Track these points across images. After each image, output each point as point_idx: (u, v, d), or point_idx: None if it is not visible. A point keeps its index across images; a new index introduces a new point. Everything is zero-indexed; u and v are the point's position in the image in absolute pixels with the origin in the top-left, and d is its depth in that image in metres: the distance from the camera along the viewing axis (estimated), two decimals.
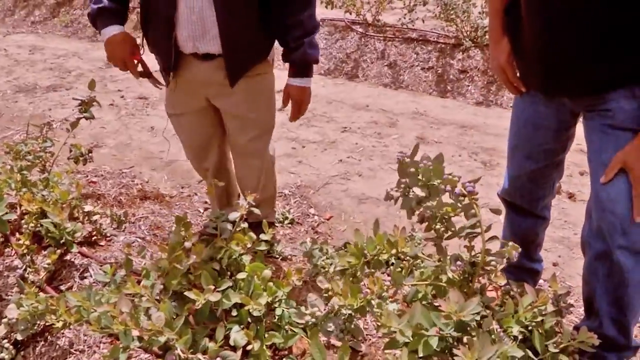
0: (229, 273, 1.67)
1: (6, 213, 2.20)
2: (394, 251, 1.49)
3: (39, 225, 2.28)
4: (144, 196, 3.16)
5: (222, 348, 1.52)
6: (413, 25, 5.14)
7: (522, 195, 1.95)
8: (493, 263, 1.38)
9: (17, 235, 2.32)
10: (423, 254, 1.57)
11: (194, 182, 3.42)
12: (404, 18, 5.14)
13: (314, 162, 3.50)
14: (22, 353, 1.97)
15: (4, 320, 1.97)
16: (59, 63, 5.69)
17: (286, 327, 1.64)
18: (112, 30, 1.91)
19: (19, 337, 1.94)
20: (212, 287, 1.54)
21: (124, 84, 5.00)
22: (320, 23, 5.61)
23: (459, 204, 1.41)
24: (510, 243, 1.42)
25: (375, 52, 5.16)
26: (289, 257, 2.53)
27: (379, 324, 1.30)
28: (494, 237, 1.41)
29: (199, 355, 1.43)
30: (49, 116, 4.36)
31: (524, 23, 1.60)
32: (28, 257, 2.21)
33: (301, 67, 1.96)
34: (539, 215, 2.00)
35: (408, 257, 1.49)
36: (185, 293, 1.50)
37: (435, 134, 3.78)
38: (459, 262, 1.41)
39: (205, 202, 3.20)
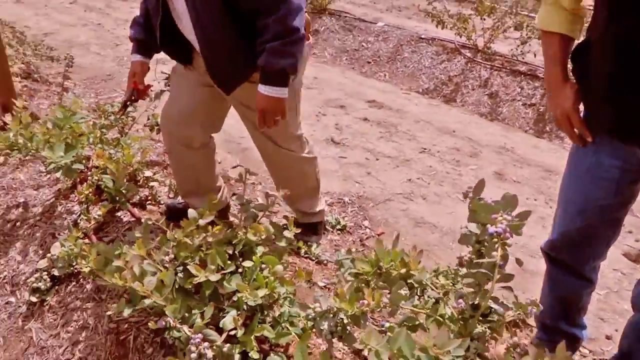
0: (240, 260, 1.70)
1: (75, 162, 2.38)
2: (403, 270, 1.45)
3: (101, 179, 2.44)
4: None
5: (211, 328, 1.56)
6: (524, 58, 4.94)
7: (569, 253, 1.82)
8: (498, 311, 1.31)
9: (84, 184, 2.51)
10: (434, 285, 1.52)
11: (263, 172, 3.51)
12: (516, 49, 4.95)
13: (383, 176, 3.47)
14: (56, 287, 2.13)
15: (48, 255, 2.14)
16: None
17: (283, 324, 1.64)
18: (134, 57, 2.21)
19: (56, 273, 2.11)
20: (215, 268, 1.58)
21: None
22: (431, 42, 5.56)
23: (485, 244, 1.35)
24: (532, 298, 1.34)
25: (478, 80, 5.01)
26: (325, 262, 2.52)
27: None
28: (507, 288, 1.33)
29: (185, 328, 1.48)
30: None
31: (595, 65, 1.51)
32: (85, 206, 2.39)
33: (265, 73, 1.85)
34: (585, 276, 1.86)
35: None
36: (188, 267, 1.56)
37: (516, 173, 3.61)
38: (460, 301, 1.35)
39: (267, 193, 3.27)
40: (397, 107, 4.54)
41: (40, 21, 6.82)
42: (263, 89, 1.86)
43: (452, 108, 4.78)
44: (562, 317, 1.97)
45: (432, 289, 1.42)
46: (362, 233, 2.94)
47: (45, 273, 2.13)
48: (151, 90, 2.42)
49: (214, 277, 1.55)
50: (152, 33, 2.04)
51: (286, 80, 1.86)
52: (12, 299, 2.21)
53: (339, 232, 2.91)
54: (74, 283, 2.11)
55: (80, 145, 2.48)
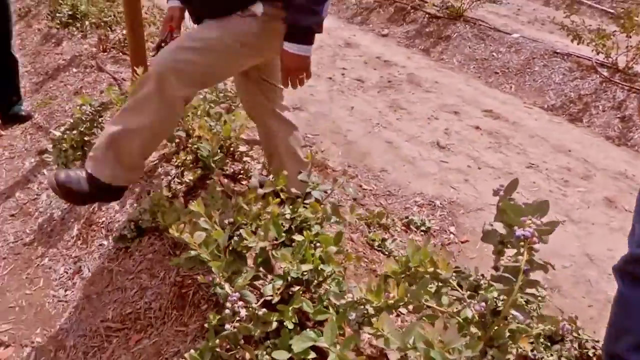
0: (295, 234, 1.75)
1: (179, 129, 2.58)
2: (431, 269, 1.42)
3: (198, 148, 2.61)
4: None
5: (256, 294, 1.63)
6: None
7: None
8: (518, 319, 1.24)
9: (183, 151, 2.70)
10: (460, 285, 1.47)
11: (362, 165, 3.54)
12: None
13: (480, 185, 3.35)
14: (140, 238, 2.32)
15: (139, 208, 2.35)
16: None
17: (325, 302, 1.67)
18: (171, 3, 2.17)
19: (142, 225, 2.30)
20: (266, 236, 1.64)
21: (350, 64, 5.31)
22: (565, 57, 5.25)
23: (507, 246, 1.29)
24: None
25: (612, 101, 4.64)
26: (397, 257, 2.50)
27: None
28: (529, 294, 1.25)
29: (227, 285, 1.55)
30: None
31: None
32: (180, 170, 2.57)
33: (291, 29, 1.79)
34: None
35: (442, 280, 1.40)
36: (241, 231, 1.63)
37: (630, 202, 3.30)
38: (483, 304, 1.29)
39: (361, 186, 3.31)
40: (514, 120, 4.35)
41: None
42: (289, 46, 1.80)
43: (576, 128, 4.47)
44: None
45: (457, 289, 1.36)
46: (446, 238, 2.87)
47: (133, 224, 2.33)
48: None
49: (263, 244, 1.62)
50: None
51: (312, 38, 1.81)
52: (105, 242, 2.44)
53: (422, 233, 2.87)
54: (155, 236, 2.28)
55: (186, 115, 2.68)
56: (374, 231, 2.66)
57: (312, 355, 1.53)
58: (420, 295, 1.35)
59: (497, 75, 5.53)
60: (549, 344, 2.08)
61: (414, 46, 6.19)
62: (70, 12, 4.57)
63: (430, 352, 1.16)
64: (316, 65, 5.27)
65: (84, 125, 2.67)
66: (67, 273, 2.43)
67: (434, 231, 2.91)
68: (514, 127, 4.23)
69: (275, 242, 1.72)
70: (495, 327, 1.26)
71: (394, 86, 4.84)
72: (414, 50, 6.05)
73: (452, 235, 2.90)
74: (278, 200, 1.77)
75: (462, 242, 2.85)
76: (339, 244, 1.75)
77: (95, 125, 2.71)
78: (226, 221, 1.71)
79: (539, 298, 2.47)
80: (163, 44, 2.19)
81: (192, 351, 1.64)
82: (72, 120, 2.69)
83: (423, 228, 2.87)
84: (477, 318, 1.30)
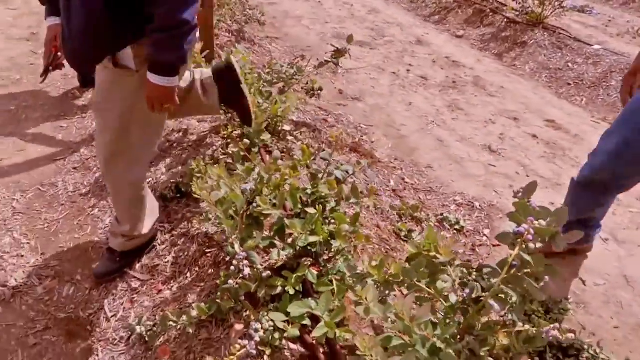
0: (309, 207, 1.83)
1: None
2: (432, 253, 1.46)
3: None
4: (356, 149, 3.45)
5: (263, 257, 1.73)
6: None
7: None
8: (494, 308, 1.26)
9: (231, 124, 2.84)
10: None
11: (409, 160, 3.57)
12: None
13: None
14: (178, 199, 2.48)
15: (180, 171, 2.50)
16: (381, 27, 6.28)
17: (330, 276, 1.75)
18: (50, 21, 2.15)
19: (182, 188, 2.46)
20: (281, 205, 1.73)
21: (417, 62, 5.31)
22: None
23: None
24: None
25: None
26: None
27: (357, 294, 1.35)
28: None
29: (237, 245, 1.66)
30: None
31: None
32: (225, 141, 2.71)
33: (151, 63, 1.76)
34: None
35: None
36: (258, 198, 1.73)
37: None
38: (467, 291, 1.32)
39: (403, 179, 3.34)
40: (576, 133, 4.22)
41: None
42: (152, 77, 1.76)
43: None
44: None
45: (450, 275, 1.40)
46: (478, 239, 2.86)
47: (174, 185, 2.49)
48: None
49: (275, 212, 1.71)
50: None
51: (176, 70, 1.77)
52: None
53: (454, 231, 2.88)
54: (192, 199, 2.43)
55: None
56: (405, 222, 2.71)
57: (307, 322, 1.62)
58: (413, 275, 1.40)
59: (569, 86, 5.37)
60: (561, 356, 2.07)
61: (487, 50, 6.10)
62: None
63: (399, 323, 1.21)
64: (383, 59, 5.32)
65: None
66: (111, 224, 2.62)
67: (467, 231, 2.90)
68: (575, 139, 4.11)
69: (290, 212, 1.82)
70: (474, 316, 1.29)
71: (457, 87, 4.81)
72: (486, 54, 5.96)
73: (484, 238, 2.88)
74: (298, 173, 1.86)
75: (494, 246, 2.84)
76: (355, 224, 1.82)
77: None
78: (248, 188, 1.81)
79: (562, 310, 2.45)
80: (51, 68, 2.15)
81: (202, 304, 1.77)
82: None
83: (457, 227, 2.88)
84: (459, 304, 1.34)
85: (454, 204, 3.12)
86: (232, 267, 1.62)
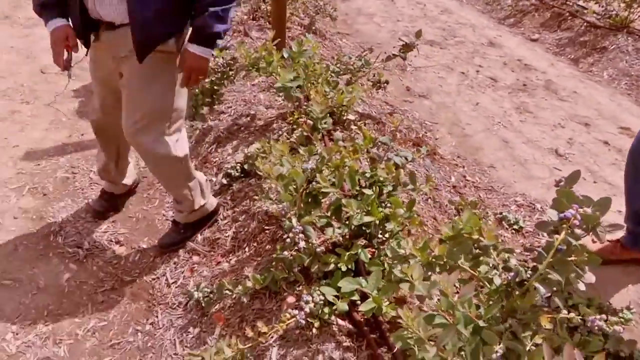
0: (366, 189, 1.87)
1: (296, 89, 2.79)
2: (475, 236, 1.48)
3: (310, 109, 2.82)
4: (419, 144, 3.45)
5: (317, 231, 1.79)
6: None
7: None
8: (539, 291, 1.27)
9: (297, 110, 2.92)
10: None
11: (472, 158, 3.55)
12: None
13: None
14: (242, 178, 2.57)
15: (246, 151, 2.60)
16: (453, 28, 6.23)
17: (382, 257, 1.79)
18: (57, 23, 2.00)
19: (246, 168, 2.56)
20: (340, 184, 1.79)
21: (488, 63, 5.24)
22: None
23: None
24: None
25: None
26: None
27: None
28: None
29: (294, 219, 1.73)
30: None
31: None
32: (290, 126, 2.79)
33: (200, 34, 1.92)
34: None
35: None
36: (317, 176, 1.79)
37: None
38: (512, 274, 1.33)
39: (464, 177, 3.32)
40: None
41: None
42: (196, 49, 1.93)
43: None
44: None
45: (494, 258, 1.41)
46: (536, 240, 2.81)
47: (239, 165, 2.59)
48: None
49: (333, 191, 1.76)
50: None
51: (216, 43, 1.96)
52: (214, 178, 2.74)
53: (513, 230, 2.84)
54: (256, 178, 2.52)
55: (307, 79, 2.89)
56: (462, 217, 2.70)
57: (357, 298, 1.67)
58: (457, 256, 1.42)
59: None
60: None
61: (562, 54, 5.92)
62: None
63: (443, 300, 1.24)
64: (453, 59, 5.28)
65: (215, 76, 2.98)
66: None
67: (526, 232, 2.86)
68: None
69: (348, 193, 1.87)
70: (518, 299, 1.30)
71: (527, 90, 4.71)
72: (561, 58, 5.79)
73: (544, 240, 2.83)
74: (358, 156, 1.91)
75: None
76: (411, 210, 1.85)
77: (224, 76, 3.01)
78: (309, 167, 1.87)
79: (622, 319, 2.38)
80: (72, 66, 2.10)
81: (257, 275, 1.85)
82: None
83: (515, 226, 2.84)
84: (503, 287, 1.35)
85: (514, 204, 3.08)
86: (288, 240, 1.68)
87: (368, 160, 2.04)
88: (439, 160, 3.37)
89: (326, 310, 1.67)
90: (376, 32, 5.92)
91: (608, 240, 2.49)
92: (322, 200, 1.89)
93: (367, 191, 1.79)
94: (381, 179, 1.88)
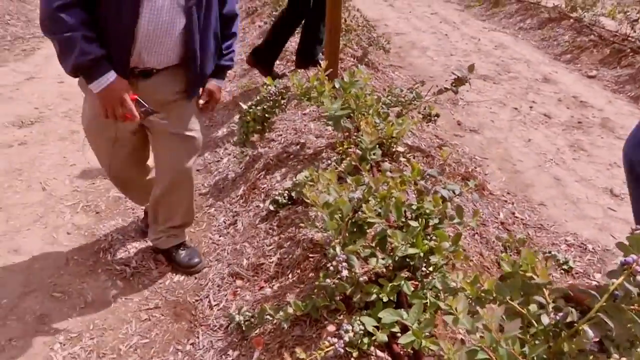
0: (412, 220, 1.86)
1: (346, 119, 2.82)
2: (529, 274, 1.44)
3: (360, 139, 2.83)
4: (467, 178, 3.41)
5: (360, 261, 1.79)
6: None
7: None
8: (587, 336, 1.22)
9: (347, 140, 2.94)
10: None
11: (522, 195, 3.48)
12: None
13: None
14: (289, 205, 2.60)
15: (294, 179, 2.63)
16: (507, 63, 6.17)
17: (425, 291, 1.76)
18: (109, 77, 1.85)
19: (294, 195, 2.58)
20: (386, 215, 1.79)
21: (542, 99, 5.15)
22: None
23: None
24: None
25: None
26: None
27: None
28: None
29: (338, 247, 1.73)
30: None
31: None
32: (340, 156, 2.81)
33: (225, 70, 2.30)
34: None
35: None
36: (364, 205, 1.79)
37: None
38: (562, 314, 1.29)
39: (513, 214, 3.25)
40: None
41: (399, 23, 7.72)
42: (221, 83, 2.29)
43: None
44: None
45: (544, 297, 1.37)
46: (587, 282, 2.71)
47: (287, 192, 2.62)
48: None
49: (378, 221, 1.76)
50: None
51: None
52: (261, 204, 2.77)
53: (562, 271, 2.75)
54: (303, 205, 2.54)
55: (358, 110, 2.91)
56: (509, 254, 2.63)
57: (397, 330, 1.65)
58: (506, 292, 1.39)
59: None
60: None
61: (622, 92, 5.76)
62: None
63: (487, 335, 1.21)
64: (506, 94, 5.22)
65: (267, 104, 3.04)
66: (224, 223, 2.81)
67: (576, 273, 2.76)
68: None
69: (393, 224, 1.86)
70: (565, 341, 1.25)
71: (582, 127, 4.61)
72: (620, 95, 5.64)
73: (594, 283, 2.73)
74: (405, 187, 1.90)
75: None
76: (457, 243, 1.82)
77: (276, 105, 3.07)
78: (355, 196, 1.88)
79: None
80: (150, 110, 2.03)
81: (299, 302, 1.85)
82: (258, 98, 3.08)
83: (565, 266, 2.75)
84: (551, 327, 1.31)
85: (564, 243, 2.99)
86: (331, 268, 1.69)
87: (415, 192, 2.03)
88: (488, 196, 3.32)
89: (365, 340, 1.65)
90: (429, 66, 5.94)
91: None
92: (368, 231, 1.88)
93: (413, 223, 1.78)
94: (427, 211, 1.87)
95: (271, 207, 2.64)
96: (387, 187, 1.89)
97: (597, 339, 1.23)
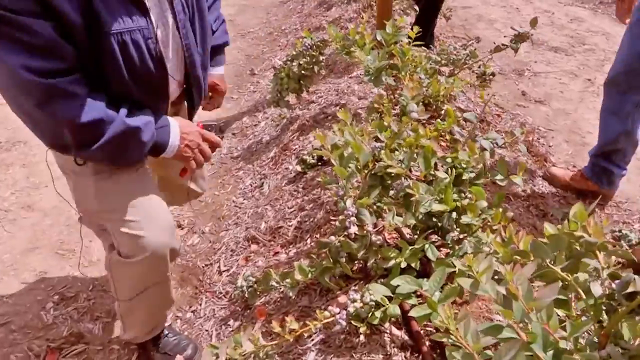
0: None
1: (387, 75, 2.52)
2: (579, 233, 1.11)
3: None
4: (527, 148, 3.03)
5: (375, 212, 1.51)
6: None
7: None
8: None
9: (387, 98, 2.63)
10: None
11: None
12: None
13: None
14: (317, 166, 2.33)
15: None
16: (583, 36, 5.61)
17: (454, 257, 1.46)
18: (174, 126, 1.44)
19: (324, 156, 2.31)
20: (408, 163, 1.49)
21: None
22: None
23: None
24: None
25: None
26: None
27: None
28: None
29: (349, 201, 1.45)
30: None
31: None
32: (378, 114, 2.52)
33: (223, 51, 1.77)
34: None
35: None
36: (382, 152, 1.50)
37: None
38: (619, 282, 0.96)
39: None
40: None
41: None
42: (221, 69, 1.77)
43: None
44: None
45: (598, 261, 1.04)
46: None
47: (315, 153, 2.36)
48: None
49: (398, 170, 1.47)
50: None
51: None
52: (290, 166, 2.52)
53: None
54: (331, 167, 2.27)
55: (403, 68, 2.60)
56: None
57: (414, 301, 1.36)
58: (546, 253, 1.07)
59: None
60: None
61: None
62: None
63: (516, 306, 0.90)
64: (579, 65, 4.72)
65: (304, 59, 2.77)
66: (251, 186, 2.59)
67: None
68: None
69: (421, 178, 1.56)
70: (624, 318, 0.92)
71: None
72: None
73: None
74: (435, 133, 1.60)
75: None
76: (499, 205, 1.51)
77: (313, 60, 2.80)
78: (376, 144, 1.59)
79: None
80: (222, 127, 1.83)
81: (305, 264, 1.59)
82: (294, 52, 2.82)
83: (634, 243, 2.35)
84: (604, 299, 0.98)
85: (638, 222, 2.56)
86: (337, 223, 1.41)
87: (451, 145, 1.72)
88: (550, 168, 2.93)
89: (377, 314, 1.36)
90: (496, 38, 5.46)
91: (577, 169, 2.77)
92: (390, 184, 1.58)
93: (441, 174, 1.47)
94: (462, 163, 1.55)
95: (299, 168, 2.39)
96: (414, 135, 1.59)
97: None
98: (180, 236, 2.28)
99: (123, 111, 1.28)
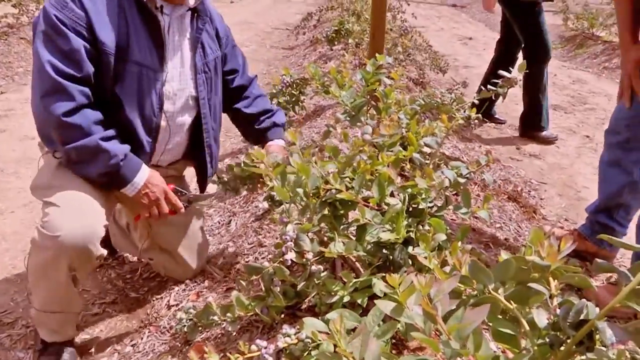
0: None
1: (361, 115, 2.44)
2: (532, 258, 0.97)
3: None
4: (515, 199, 2.91)
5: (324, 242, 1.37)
6: None
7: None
8: (605, 334, 0.74)
9: None
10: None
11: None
12: None
13: None
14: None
15: None
16: (584, 96, 5.57)
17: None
18: (145, 171, 1.61)
19: None
20: (358, 192, 1.37)
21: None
22: None
23: None
24: None
25: None
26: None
27: None
28: None
29: (290, 225, 1.33)
30: None
31: None
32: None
33: (281, 128, 2.06)
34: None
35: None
36: (330, 176, 1.38)
37: None
38: (562, 308, 0.81)
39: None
40: None
41: (470, 58, 7.32)
42: (282, 142, 2.03)
43: None
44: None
45: (545, 286, 0.90)
46: None
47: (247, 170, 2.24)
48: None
49: (347, 196, 1.35)
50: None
51: None
52: (259, 204, 2.41)
53: None
54: None
55: (384, 108, 2.52)
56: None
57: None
58: (487, 279, 0.93)
59: None
60: None
61: None
62: (335, 29, 4.88)
63: (427, 328, 0.76)
64: (577, 123, 4.66)
65: (283, 97, 2.71)
66: (219, 223, 2.48)
67: None
68: None
69: (375, 207, 1.43)
70: (569, 347, 0.77)
71: None
72: None
73: None
74: (392, 158, 1.49)
75: None
76: (462, 239, 1.37)
77: (292, 100, 2.73)
78: (331, 171, 1.48)
79: None
80: (193, 198, 1.86)
81: (240, 296, 1.45)
82: (274, 91, 2.76)
83: None
84: (549, 331, 0.83)
85: None
86: (274, 248, 1.28)
87: (412, 175, 1.60)
88: (539, 220, 2.79)
89: (314, 353, 1.21)
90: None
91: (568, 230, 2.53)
92: (343, 214, 1.46)
93: (392, 200, 1.35)
94: (421, 192, 1.43)
95: (266, 205, 2.27)
96: (370, 162, 1.48)
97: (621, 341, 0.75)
98: (137, 269, 2.15)
99: (105, 133, 1.53)
